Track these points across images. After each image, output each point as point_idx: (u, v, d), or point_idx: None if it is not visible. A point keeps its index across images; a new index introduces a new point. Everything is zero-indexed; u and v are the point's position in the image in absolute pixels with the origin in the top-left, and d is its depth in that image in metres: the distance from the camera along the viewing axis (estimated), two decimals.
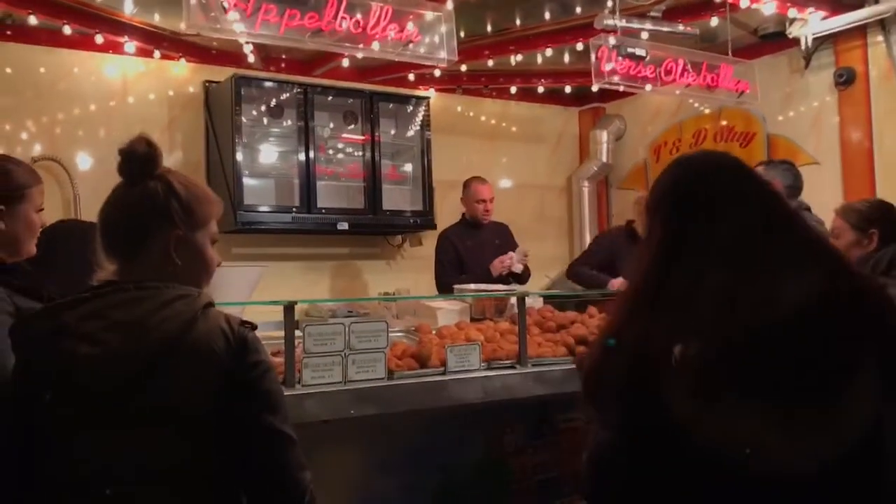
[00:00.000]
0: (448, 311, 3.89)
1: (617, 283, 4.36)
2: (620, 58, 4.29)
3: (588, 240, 7.11)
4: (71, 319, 1.50)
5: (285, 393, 2.73)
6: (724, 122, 6.37)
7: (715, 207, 1.57)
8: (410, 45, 3.70)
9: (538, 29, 5.54)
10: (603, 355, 1.51)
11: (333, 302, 5.64)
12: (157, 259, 1.60)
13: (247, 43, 5.32)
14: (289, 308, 2.82)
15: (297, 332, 3.00)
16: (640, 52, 4.33)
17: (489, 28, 5.62)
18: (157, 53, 5.48)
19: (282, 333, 2.93)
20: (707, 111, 6.57)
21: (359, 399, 2.86)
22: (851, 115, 5.35)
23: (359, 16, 3.52)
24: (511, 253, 4.72)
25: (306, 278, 6.01)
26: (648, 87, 4.52)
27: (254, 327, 1.63)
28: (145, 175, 1.62)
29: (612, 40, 4.27)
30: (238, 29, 3.28)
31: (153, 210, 1.60)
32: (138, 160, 1.60)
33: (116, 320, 1.49)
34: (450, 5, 3.93)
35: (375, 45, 3.56)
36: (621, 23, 4.45)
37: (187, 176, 1.69)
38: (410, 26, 3.59)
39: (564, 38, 5.51)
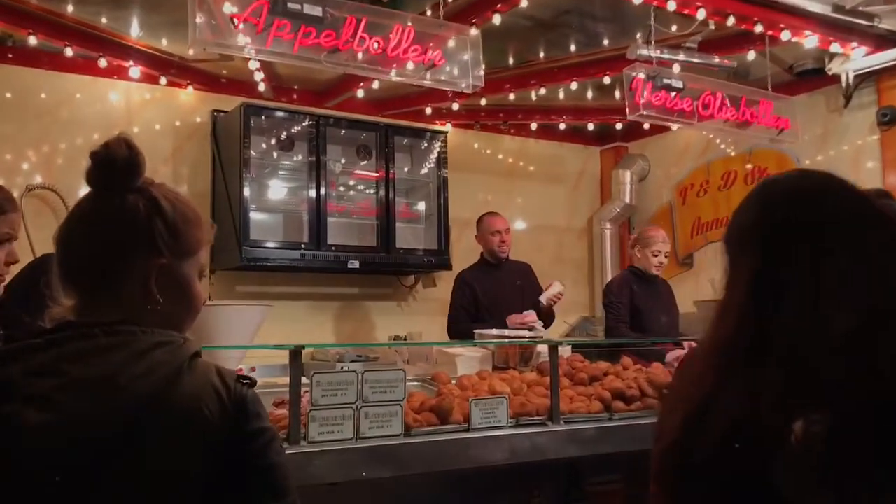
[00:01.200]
0: (468, 359, 3.56)
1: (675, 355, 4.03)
2: (655, 90, 4.00)
3: None
4: (16, 375, 1.15)
5: (288, 451, 2.42)
6: (753, 164, 6.07)
7: (825, 236, 1.24)
8: (434, 70, 3.42)
9: (563, 62, 5.29)
10: (686, 427, 1.17)
11: (342, 347, 5.30)
12: (133, 294, 1.27)
13: (258, 70, 5.08)
14: (295, 353, 2.50)
15: (304, 380, 2.68)
16: (676, 83, 4.05)
17: (511, 60, 5.37)
18: (163, 80, 5.24)
19: (285, 380, 2.61)
20: (732, 153, 6.28)
21: (372, 458, 2.53)
22: (895, 156, 5.05)
23: (379, 37, 3.25)
24: (531, 312, 4.35)
25: (313, 319, 5.69)
26: (676, 125, 4.25)
27: (252, 383, 1.30)
28: (125, 186, 1.30)
29: (645, 72, 3.99)
30: (248, 46, 3.00)
31: (132, 231, 1.27)
32: (118, 168, 1.28)
33: (77, 377, 1.15)
34: (475, 30, 3.66)
35: (394, 73, 3.27)
36: (656, 53, 4.18)
37: (173, 189, 1.37)
38: (436, 50, 3.31)
39: (591, 71, 5.25)
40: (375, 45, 3.23)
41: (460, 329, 4.41)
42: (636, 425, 3.12)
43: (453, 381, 3.34)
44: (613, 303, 4.62)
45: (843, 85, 5.13)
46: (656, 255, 4.61)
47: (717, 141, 6.40)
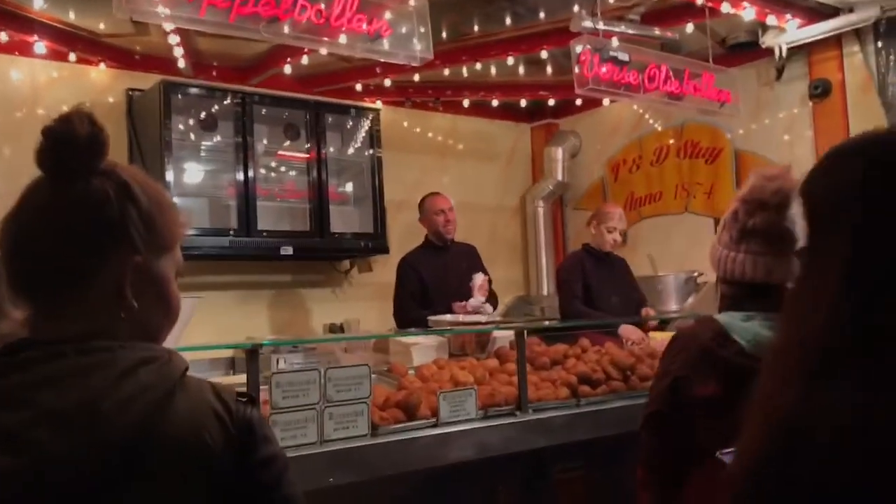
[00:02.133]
0: (424, 348, 3.38)
1: (629, 330, 3.91)
2: (602, 62, 3.88)
3: (544, 263, 6.72)
4: None
5: None
6: (685, 138, 6.08)
7: None
8: (378, 41, 3.20)
9: (499, 35, 5.12)
10: (782, 448, 0.99)
11: (299, 342, 5.02)
12: (104, 300, 1.04)
13: (177, 45, 4.73)
14: (252, 352, 2.26)
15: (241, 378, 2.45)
16: (623, 56, 3.94)
17: (444, 34, 5.17)
18: (72, 56, 4.82)
19: (228, 380, 2.38)
20: (659, 128, 6.27)
21: (339, 462, 2.34)
22: (827, 127, 5.10)
23: (322, 5, 3.00)
24: (472, 300, 4.15)
25: (244, 309, 5.39)
26: (609, 100, 4.13)
27: (253, 401, 1.09)
28: (89, 169, 1.06)
29: (592, 45, 3.86)
30: (179, 15, 2.72)
31: (102, 223, 1.04)
32: (80, 146, 1.05)
33: (50, 408, 0.92)
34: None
35: (342, 38, 3.04)
36: (600, 25, 4.06)
37: (140, 171, 1.14)
38: (387, 15, 3.09)
39: (527, 45, 5.11)
40: (318, 13, 2.99)
41: (411, 317, 4.21)
42: (603, 410, 3.02)
43: (411, 372, 3.17)
44: (566, 280, 4.53)
45: (777, 57, 5.13)
46: (611, 232, 4.52)
47: (647, 116, 6.38)
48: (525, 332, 2.87)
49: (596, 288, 4.43)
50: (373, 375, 3.24)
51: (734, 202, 2.03)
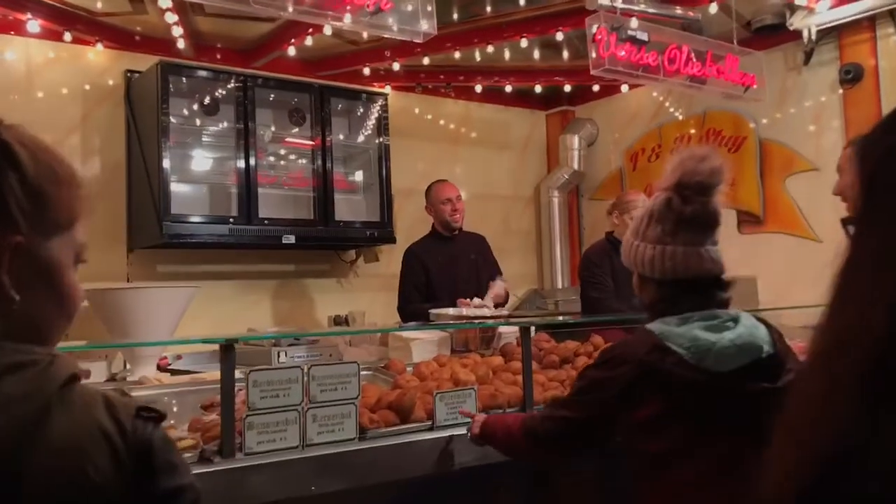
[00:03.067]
0: (424, 343, 3.18)
1: None
2: (620, 42, 3.65)
3: (559, 255, 6.50)
4: None
5: (221, 466, 2.01)
6: (708, 126, 5.82)
7: None
8: (379, 15, 2.99)
9: (512, 16, 4.89)
10: (831, 477, 0.78)
11: (281, 336, 4.84)
12: None
13: (175, 24, 4.54)
14: (227, 348, 2.07)
15: (238, 374, 2.27)
16: (641, 35, 3.71)
17: (455, 15, 4.95)
18: (67, 36, 4.64)
19: (217, 374, 2.19)
20: (681, 117, 6.01)
21: (323, 469, 2.14)
22: (858, 116, 4.83)
23: None
24: (476, 299, 3.91)
25: (244, 300, 5.22)
26: (626, 86, 3.87)
27: (160, 417, 0.89)
28: None
29: (609, 23, 3.63)
30: None
31: None
32: None
33: None
34: None
35: (346, 18, 2.83)
36: (618, 3, 3.82)
37: (34, 135, 0.93)
38: None
39: (542, 26, 4.87)
40: None
41: (414, 310, 3.99)
42: None
43: (409, 369, 2.97)
44: (596, 275, 4.13)
45: (805, 40, 4.87)
46: None
47: (667, 104, 6.13)
48: (532, 328, 2.65)
49: (620, 285, 4.10)
50: (368, 372, 3.05)
51: (662, 191, 1.85)
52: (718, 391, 1.70)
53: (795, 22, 4.80)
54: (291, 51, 4.91)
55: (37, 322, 0.88)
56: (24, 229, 0.85)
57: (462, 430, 2.37)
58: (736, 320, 1.78)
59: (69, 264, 0.92)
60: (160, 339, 4.40)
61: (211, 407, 2.32)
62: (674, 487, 1.73)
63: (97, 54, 4.88)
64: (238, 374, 2.59)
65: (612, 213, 4.24)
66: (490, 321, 3.27)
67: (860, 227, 0.87)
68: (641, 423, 1.73)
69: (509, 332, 3.30)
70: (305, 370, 2.18)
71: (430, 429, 2.38)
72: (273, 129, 5.18)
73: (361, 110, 5.50)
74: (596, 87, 6.18)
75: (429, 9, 3.19)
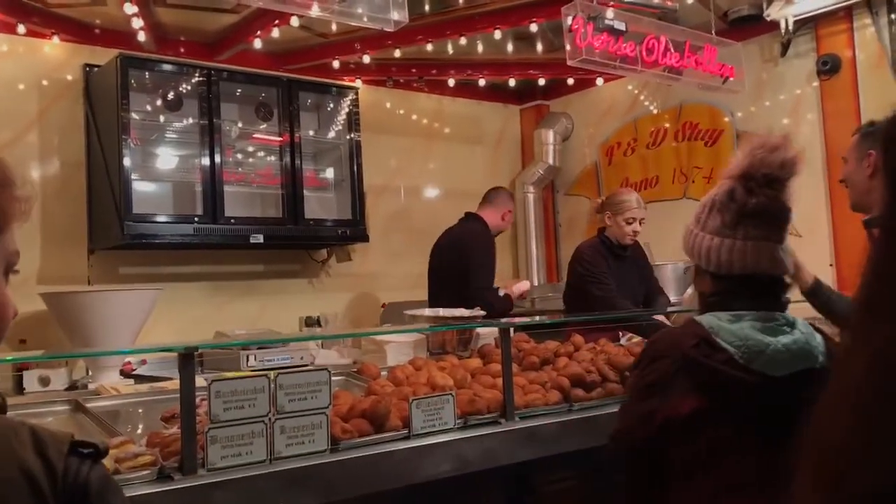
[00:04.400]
0: (400, 346, 3.04)
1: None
2: (597, 32, 3.54)
3: (535, 252, 6.40)
4: None
5: (183, 483, 1.86)
6: (684, 120, 5.74)
7: None
8: (347, 3, 2.85)
9: (486, 7, 4.76)
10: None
11: (247, 344, 4.68)
12: None
13: (135, 16, 4.36)
14: (186, 357, 1.92)
15: (202, 381, 2.13)
16: (619, 25, 3.60)
17: (427, 6, 4.81)
18: (21, 28, 4.44)
19: (177, 382, 2.04)
20: (655, 111, 5.93)
21: (292, 484, 2.00)
22: (835, 107, 4.78)
23: None
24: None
25: (211, 301, 5.04)
26: (601, 80, 3.75)
27: (99, 454, 0.75)
28: None
29: (586, 12, 3.52)
30: None
31: None
32: None
33: None
34: None
35: (315, 8, 2.69)
36: None
37: None
38: None
39: (516, 17, 4.75)
40: None
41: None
42: (598, 416, 2.69)
43: (384, 374, 2.84)
44: (594, 272, 3.89)
45: (782, 31, 4.80)
46: (630, 224, 3.89)
47: (642, 97, 6.05)
48: (511, 329, 2.52)
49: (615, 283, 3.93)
50: (340, 378, 2.92)
51: (727, 180, 1.73)
52: (767, 396, 1.59)
53: (773, 13, 4.73)
54: (257, 43, 4.75)
55: None
56: None
57: (438, 439, 2.25)
58: (792, 325, 1.67)
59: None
60: (122, 344, 4.22)
61: (172, 419, 2.18)
62: (706, 496, 1.61)
63: (53, 48, 4.68)
64: (202, 381, 2.44)
65: (605, 214, 4.02)
66: (467, 324, 3.14)
67: (889, 229, 0.74)
68: (675, 421, 1.61)
69: (487, 333, 3.18)
70: (272, 378, 2.04)
71: (407, 437, 2.25)
72: (239, 124, 5.01)
73: (331, 105, 5.34)
74: (571, 81, 6.08)
75: None
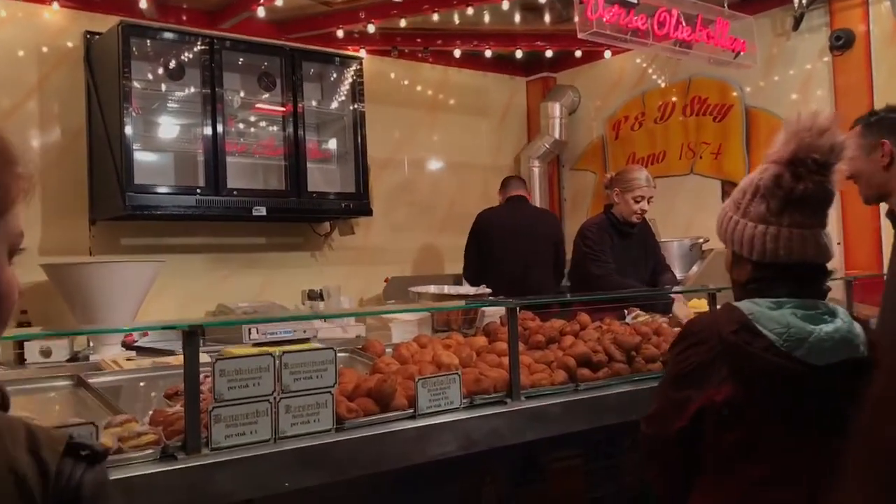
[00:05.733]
0: (404, 323, 3.01)
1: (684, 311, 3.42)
2: (608, 4, 3.47)
3: None
4: None
5: (187, 463, 1.84)
6: (693, 94, 5.66)
7: None
8: None
9: None
10: None
11: (252, 322, 4.65)
12: None
13: None
14: (190, 334, 1.88)
15: (205, 357, 2.10)
16: None
17: None
18: None
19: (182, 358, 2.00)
20: (663, 84, 5.85)
21: (297, 464, 1.98)
22: (848, 83, 4.70)
23: None
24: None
25: (213, 274, 5.01)
26: (609, 53, 3.67)
27: (96, 457, 0.71)
28: None
29: None
30: None
31: None
32: None
33: None
34: None
35: None
36: None
37: None
38: None
39: None
40: None
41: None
42: (605, 396, 2.66)
43: (388, 351, 2.81)
44: (595, 250, 3.85)
45: (795, 5, 4.71)
46: (638, 202, 3.83)
47: (650, 71, 5.96)
48: (517, 309, 2.49)
49: (618, 262, 3.88)
50: (345, 354, 2.89)
51: (771, 164, 1.66)
52: (808, 385, 1.55)
53: None
54: (261, 12, 4.68)
55: None
56: None
57: (444, 419, 2.23)
58: (833, 313, 1.62)
59: (3, 257, 0.73)
60: (125, 315, 4.20)
61: (175, 396, 2.15)
62: (741, 487, 1.57)
63: (53, 14, 4.60)
64: (205, 356, 2.42)
65: (613, 190, 3.94)
66: (473, 303, 3.11)
67: None
68: (710, 410, 1.57)
69: (493, 312, 3.15)
70: (277, 356, 2.01)
71: (413, 417, 2.22)
72: (242, 94, 4.94)
73: (335, 75, 5.27)
74: (578, 53, 5.99)
75: None
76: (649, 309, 3.43)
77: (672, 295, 3.61)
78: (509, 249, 4.88)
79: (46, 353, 4.14)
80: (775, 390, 1.57)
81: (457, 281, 5.44)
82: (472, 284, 4.70)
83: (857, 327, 1.63)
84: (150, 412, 1.97)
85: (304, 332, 4.73)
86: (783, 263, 1.63)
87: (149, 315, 4.44)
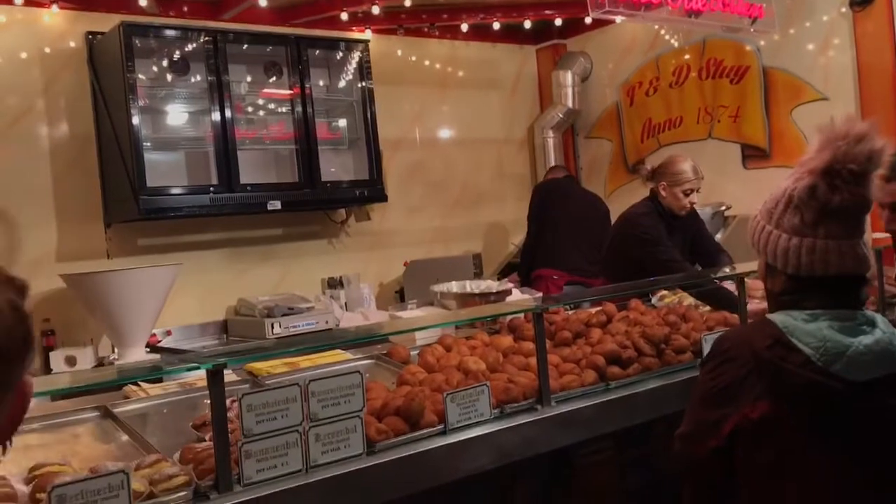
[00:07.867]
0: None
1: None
2: None
3: None
4: None
5: (221, 502, 1.82)
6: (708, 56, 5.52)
7: None
8: None
9: None
10: None
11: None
12: None
13: None
14: (215, 374, 1.85)
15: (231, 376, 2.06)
16: None
17: None
18: None
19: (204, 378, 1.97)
20: (677, 45, 5.71)
21: (330, 491, 1.96)
22: (870, 41, 4.56)
23: None
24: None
25: (232, 268, 4.99)
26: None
27: None
28: None
29: None
30: None
31: None
32: None
33: None
34: None
35: None
36: None
37: None
38: None
39: None
40: None
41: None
42: (636, 394, 2.62)
43: (413, 354, 2.79)
44: (655, 237, 3.64)
45: None
46: (688, 195, 3.66)
47: (663, 33, 5.82)
48: (542, 314, 2.43)
49: None
50: (369, 361, 2.86)
51: (805, 174, 1.56)
52: (847, 402, 1.48)
53: None
54: (262, 1, 4.57)
55: None
56: None
57: (474, 432, 2.20)
58: (873, 323, 1.55)
59: None
60: (146, 319, 4.19)
61: (203, 427, 2.13)
62: None
63: (53, 16, 4.52)
64: (231, 376, 2.39)
65: (659, 185, 3.74)
66: (500, 306, 3.05)
67: None
68: (745, 429, 1.53)
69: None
70: (303, 384, 1.98)
71: (443, 433, 2.19)
72: (249, 79, 4.88)
73: (341, 59, 5.17)
74: (588, 20, 5.85)
75: None
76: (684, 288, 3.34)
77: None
78: (573, 216, 5.31)
79: (72, 360, 4.16)
80: (812, 408, 1.51)
81: (476, 260, 5.40)
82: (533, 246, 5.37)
83: None
84: (180, 450, 1.95)
85: (326, 322, 4.74)
86: (819, 276, 1.57)
87: (171, 314, 4.44)
